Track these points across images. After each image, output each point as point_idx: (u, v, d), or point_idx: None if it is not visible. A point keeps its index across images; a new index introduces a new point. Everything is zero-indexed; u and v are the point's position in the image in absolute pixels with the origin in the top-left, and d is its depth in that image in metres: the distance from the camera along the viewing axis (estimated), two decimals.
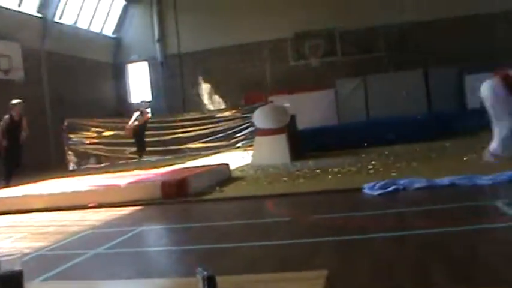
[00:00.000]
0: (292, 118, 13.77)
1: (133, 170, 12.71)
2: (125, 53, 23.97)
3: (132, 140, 16.96)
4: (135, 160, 17.53)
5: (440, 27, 21.37)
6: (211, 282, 1.77)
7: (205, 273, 1.78)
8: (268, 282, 1.89)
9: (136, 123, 16.31)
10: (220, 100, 22.93)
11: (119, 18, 23.63)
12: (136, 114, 16.61)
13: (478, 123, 14.71)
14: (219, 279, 1.80)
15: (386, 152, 11.91)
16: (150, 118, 17.97)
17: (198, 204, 7.48)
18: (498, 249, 3.80)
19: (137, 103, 20.91)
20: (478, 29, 21.18)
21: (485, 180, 6.64)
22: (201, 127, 20.06)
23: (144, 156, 17.20)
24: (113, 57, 23.97)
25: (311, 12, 21.57)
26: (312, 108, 19.41)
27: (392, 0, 21.28)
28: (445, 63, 20.05)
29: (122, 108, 22.93)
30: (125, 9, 23.69)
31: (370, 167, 9.52)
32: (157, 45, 23.41)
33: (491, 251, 3.74)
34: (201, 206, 7.35)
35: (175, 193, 7.90)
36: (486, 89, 8.52)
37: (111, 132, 19.11)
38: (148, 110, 16.69)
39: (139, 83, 24.21)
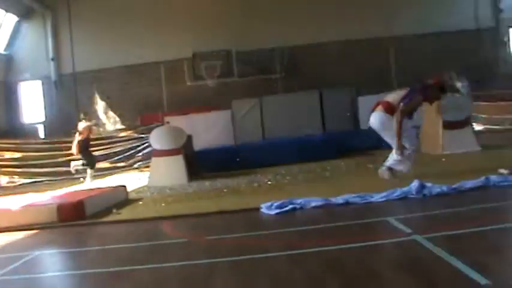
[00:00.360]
0: (189, 139, 13.80)
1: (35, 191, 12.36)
2: (17, 71, 23.16)
3: (79, 156, 16.24)
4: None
5: (333, 50, 22.16)
6: None
7: None
8: None
9: (79, 138, 15.59)
10: (117, 120, 22.59)
11: (11, 35, 22.86)
12: (81, 124, 15.77)
13: (370, 142, 15.37)
14: None
15: (282, 172, 12.13)
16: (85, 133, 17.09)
17: (95, 227, 7.36)
18: (390, 263, 3.98)
19: (31, 123, 20.33)
20: (370, 53, 22.18)
21: (377, 198, 6.95)
22: (97, 148, 19.70)
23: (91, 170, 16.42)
24: (4, 75, 23.15)
25: (209, 33, 21.74)
26: (208, 129, 19.50)
27: (287, 23, 21.89)
28: (339, 84, 20.78)
29: (13, 128, 22.17)
30: (18, 26, 22.95)
31: (266, 186, 9.72)
32: (51, 64, 22.77)
33: (384, 266, 3.92)
34: (98, 229, 7.24)
35: (71, 216, 7.74)
36: (374, 121, 9.02)
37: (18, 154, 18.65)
38: (91, 122, 15.94)
39: (32, 102, 23.39)
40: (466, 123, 12.84)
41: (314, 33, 22.08)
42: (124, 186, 10.45)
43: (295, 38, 22.15)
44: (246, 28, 22.09)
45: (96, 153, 19.12)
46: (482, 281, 3.32)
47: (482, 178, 7.24)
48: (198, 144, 15.32)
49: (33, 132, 22.13)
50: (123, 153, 19.95)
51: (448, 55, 22.23)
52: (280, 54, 22.26)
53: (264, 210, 7.09)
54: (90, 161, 15.84)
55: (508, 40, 23.50)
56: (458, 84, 15.45)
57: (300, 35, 22.10)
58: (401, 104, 8.64)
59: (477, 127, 17.75)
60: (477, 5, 22.60)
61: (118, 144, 20.25)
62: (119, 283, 4.20)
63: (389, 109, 8.78)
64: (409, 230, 5.01)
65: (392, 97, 8.97)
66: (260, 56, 22.49)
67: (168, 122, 15.72)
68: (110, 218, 7.90)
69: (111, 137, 20.76)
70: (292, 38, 22.10)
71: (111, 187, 10.71)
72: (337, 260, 4.26)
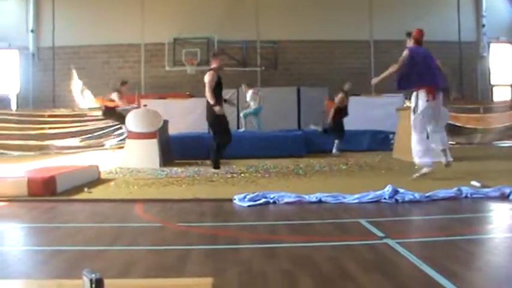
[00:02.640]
0: (165, 123, 13.74)
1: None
2: None
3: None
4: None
5: (315, 49, 22.27)
6: (99, 286, 1.76)
7: (93, 275, 1.78)
8: None
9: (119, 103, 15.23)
10: (93, 99, 22.38)
11: None
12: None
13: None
14: (106, 283, 1.80)
15: (256, 164, 12.15)
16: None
17: (66, 204, 7.27)
18: (363, 264, 4.01)
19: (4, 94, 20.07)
20: (351, 55, 22.40)
21: (350, 199, 7.00)
22: (70, 125, 19.54)
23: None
24: None
25: (192, 19, 21.68)
26: (184, 115, 19.40)
27: (272, 17, 21.92)
28: (317, 83, 20.88)
29: None
30: None
31: (240, 178, 9.75)
32: (30, 36, 22.47)
33: (356, 266, 3.94)
34: (68, 206, 7.15)
35: (41, 191, 7.66)
36: None
37: None
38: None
39: (7, 72, 23.03)
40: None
41: (298, 30, 22.21)
42: (96, 166, 10.37)
43: (278, 33, 22.24)
44: (230, 18, 22.08)
45: (68, 130, 19.01)
46: None
47: (455, 189, 7.32)
48: (173, 130, 15.25)
49: (6, 103, 21.83)
50: (96, 131, 19.78)
51: None
52: (261, 48, 22.28)
53: (237, 201, 7.09)
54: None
55: (488, 55, 23.85)
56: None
57: (283, 30, 22.20)
58: None
59: (452, 138, 17.95)
60: (460, 19, 22.88)
61: (91, 122, 20.07)
62: (88, 263, 4.13)
63: None
64: (381, 234, 5.05)
65: None
66: (242, 47, 22.50)
67: (145, 105, 15.60)
68: (81, 196, 7.83)
69: (84, 115, 20.57)
70: (275, 33, 22.19)
71: (84, 165, 10.61)
72: (308, 258, 4.27)
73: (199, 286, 1.89)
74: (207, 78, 10.64)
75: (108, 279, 1.89)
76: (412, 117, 9.32)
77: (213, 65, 11.01)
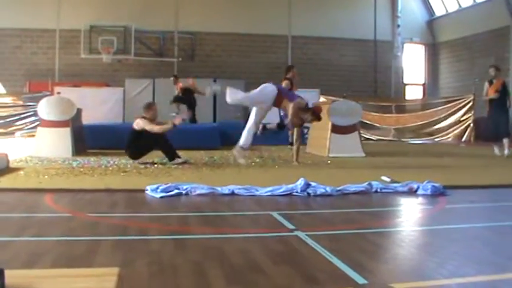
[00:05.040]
0: (78, 112, 13.48)
1: None
2: None
3: None
4: None
5: (233, 41, 22.35)
6: (0, 276, 1.73)
7: None
8: (59, 278, 1.88)
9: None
10: (2, 84, 21.67)
11: None
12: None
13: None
14: (7, 273, 1.77)
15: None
16: None
17: None
18: (272, 256, 4.06)
19: None
20: (268, 49, 22.66)
21: (262, 191, 7.08)
22: None
23: None
24: None
25: (109, 7, 21.39)
26: (99, 104, 19.11)
27: (191, 8, 21.84)
28: (234, 76, 20.95)
29: None
30: None
31: (153, 169, 9.70)
32: None
33: (266, 258, 3.99)
34: None
35: None
36: None
37: None
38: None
39: None
40: (354, 129, 13.26)
41: (217, 22, 22.22)
42: (5, 154, 10.06)
43: (196, 25, 22.18)
44: (148, 7, 21.90)
45: None
46: (360, 280, 3.45)
47: (365, 183, 7.52)
48: (87, 119, 14.99)
49: None
50: (5, 118, 19.17)
51: (344, 60, 23.03)
52: (179, 38, 22.18)
53: (149, 192, 7.05)
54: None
55: (402, 54, 24.62)
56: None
57: (202, 22, 22.18)
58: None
59: (364, 134, 18.43)
60: (377, 19, 23.52)
61: (1, 109, 19.44)
62: None
63: None
64: (291, 226, 5.13)
65: None
66: (159, 37, 22.33)
67: (58, 93, 15.26)
68: None
69: None
70: (193, 24, 22.11)
71: None
72: (218, 249, 4.29)
73: (105, 276, 1.87)
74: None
75: (10, 270, 1.85)
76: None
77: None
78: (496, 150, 13.75)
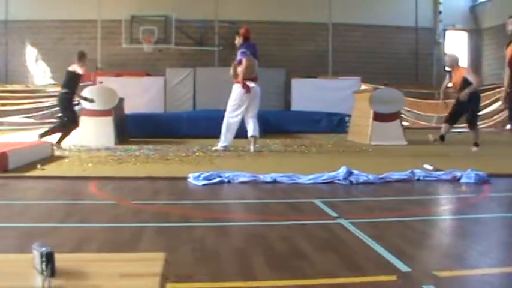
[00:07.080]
0: (120, 101, 13.61)
1: None
2: None
3: None
4: None
5: (273, 30, 22.27)
6: (50, 259, 1.75)
7: (43, 249, 1.76)
8: (107, 262, 1.91)
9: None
10: (48, 75, 21.98)
11: None
12: None
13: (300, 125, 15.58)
14: (56, 257, 1.79)
15: (212, 144, 12.07)
16: None
17: (18, 181, 7.15)
18: (316, 243, 4.06)
19: None
20: (308, 37, 22.53)
21: (304, 179, 7.06)
22: (24, 101, 19.19)
23: None
24: None
25: None
26: (140, 94, 19.26)
27: None
28: (274, 64, 20.84)
29: None
30: None
31: (195, 157, 9.76)
32: None
33: (309, 245, 3.99)
34: (21, 183, 7.03)
35: None
36: None
37: None
38: None
39: None
40: (396, 117, 13.12)
41: (257, 10, 22.13)
42: (50, 143, 10.23)
43: (237, 13, 22.12)
44: None
45: (22, 107, 18.68)
46: (404, 268, 3.43)
47: (408, 171, 7.45)
48: (129, 108, 15.12)
49: None
50: (50, 108, 19.47)
51: (385, 48, 22.82)
52: (219, 27, 22.21)
53: (191, 180, 7.09)
54: None
55: (444, 41, 24.26)
56: None
57: (242, 10, 22.10)
58: None
59: (406, 122, 18.24)
60: (418, 5, 23.22)
61: (46, 99, 19.74)
62: (44, 239, 4.07)
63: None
64: (334, 214, 5.11)
65: None
66: (199, 26, 22.38)
67: (101, 82, 15.42)
68: (34, 173, 7.71)
69: (39, 91, 20.23)
70: (234, 13, 22.07)
71: (37, 142, 10.45)
72: (262, 236, 4.30)
73: (152, 260, 1.89)
74: None
75: (59, 254, 1.88)
76: None
77: None
78: None
